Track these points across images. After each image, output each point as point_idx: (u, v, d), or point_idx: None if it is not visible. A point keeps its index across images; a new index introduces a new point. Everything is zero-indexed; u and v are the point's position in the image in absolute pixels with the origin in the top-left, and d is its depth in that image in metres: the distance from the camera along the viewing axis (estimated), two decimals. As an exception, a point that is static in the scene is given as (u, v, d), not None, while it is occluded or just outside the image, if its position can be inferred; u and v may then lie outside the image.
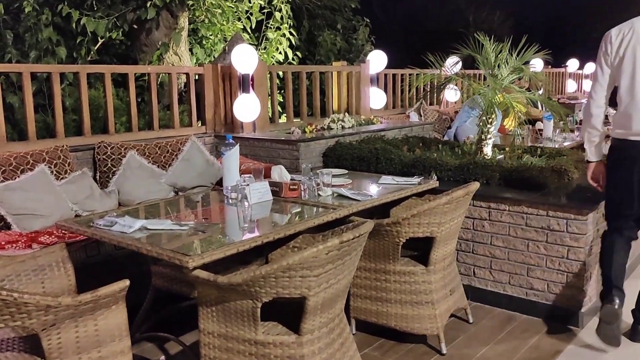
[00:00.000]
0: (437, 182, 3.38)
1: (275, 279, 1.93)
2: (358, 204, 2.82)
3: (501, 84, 4.14)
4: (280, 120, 5.34)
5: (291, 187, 2.98)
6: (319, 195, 3.00)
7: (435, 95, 7.85)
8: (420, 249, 2.92)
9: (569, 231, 3.04)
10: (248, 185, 2.80)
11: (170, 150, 4.21)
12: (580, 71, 11.05)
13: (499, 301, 3.33)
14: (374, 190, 3.18)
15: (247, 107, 4.65)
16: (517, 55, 4.10)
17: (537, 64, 10.45)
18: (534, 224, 3.15)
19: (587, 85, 10.65)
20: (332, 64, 6.69)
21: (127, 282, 1.87)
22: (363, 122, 5.34)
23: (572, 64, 10.61)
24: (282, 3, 6.81)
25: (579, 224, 3.00)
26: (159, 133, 4.54)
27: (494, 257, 3.33)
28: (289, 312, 2.09)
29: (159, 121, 4.61)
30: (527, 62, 4.17)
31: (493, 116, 4.23)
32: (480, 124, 4.25)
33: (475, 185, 2.84)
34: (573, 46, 11.97)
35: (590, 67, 10.36)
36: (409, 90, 5.43)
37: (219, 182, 4.24)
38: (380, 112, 6.49)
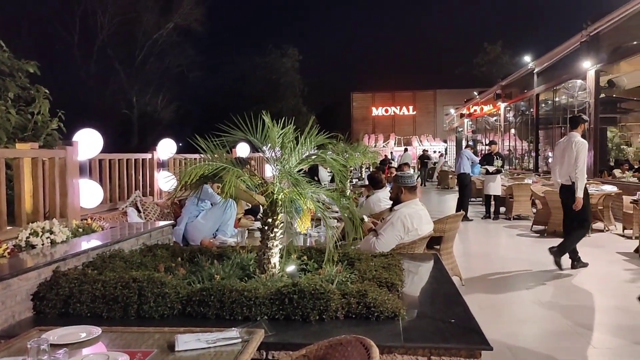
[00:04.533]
0: (263, 332, 2.17)
1: None
2: None
3: (289, 174, 3.24)
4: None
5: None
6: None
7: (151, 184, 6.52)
8: None
9: (462, 384, 2.18)
10: None
11: None
12: (255, 154, 10.40)
13: None
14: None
15: None
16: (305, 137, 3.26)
17: (243, 149, 9.99)
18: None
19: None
20: (13, 147, 4.70)
21: None
22: (81, 231, 3.66)
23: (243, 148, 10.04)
24: None
25: (473, 371, 2.18)
26: None
27: None
28: None
29: None
30: (321, 146, 3.34)
31: (279, 217, 3.27)
32: (265, 227, 3.22)
33: (376, 352, 1.73)
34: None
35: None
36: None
37: None
38: (88, 211, 4.82)
